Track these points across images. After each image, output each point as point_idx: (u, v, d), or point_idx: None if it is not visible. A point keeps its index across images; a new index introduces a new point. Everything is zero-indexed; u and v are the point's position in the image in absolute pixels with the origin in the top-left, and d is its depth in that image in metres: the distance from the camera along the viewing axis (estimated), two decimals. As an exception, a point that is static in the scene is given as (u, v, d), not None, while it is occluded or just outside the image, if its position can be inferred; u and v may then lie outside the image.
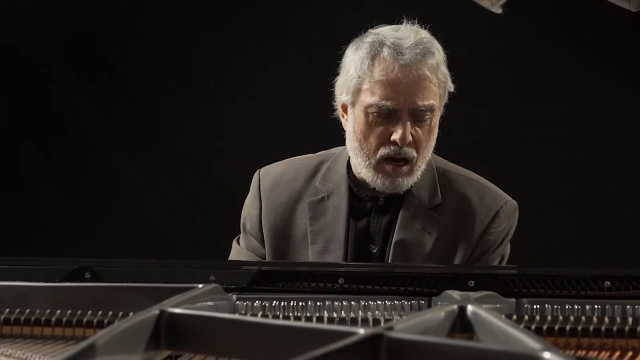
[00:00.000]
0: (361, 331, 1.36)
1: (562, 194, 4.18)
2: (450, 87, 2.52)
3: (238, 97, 4.28)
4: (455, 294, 1.83)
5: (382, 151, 2.44)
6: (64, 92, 4.44)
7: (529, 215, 4.27)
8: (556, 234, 4.15)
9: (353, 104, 2.49)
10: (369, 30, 2.52)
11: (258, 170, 2.66)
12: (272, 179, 2.61)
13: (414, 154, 2.44)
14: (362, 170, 2.49)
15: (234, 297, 1.93)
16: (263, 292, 1.96)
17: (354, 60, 2.47)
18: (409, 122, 2.42)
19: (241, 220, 2.66)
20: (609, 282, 1.88)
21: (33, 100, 4.43)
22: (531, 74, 4.18)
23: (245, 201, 2.66)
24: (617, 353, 1.68)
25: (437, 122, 2.50)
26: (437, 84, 2.45)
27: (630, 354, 1.68)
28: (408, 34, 2.46)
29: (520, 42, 4.17)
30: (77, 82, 4.43)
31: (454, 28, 4.20)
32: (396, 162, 2.45)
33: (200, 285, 1.82)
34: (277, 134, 4.15)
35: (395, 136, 2.42)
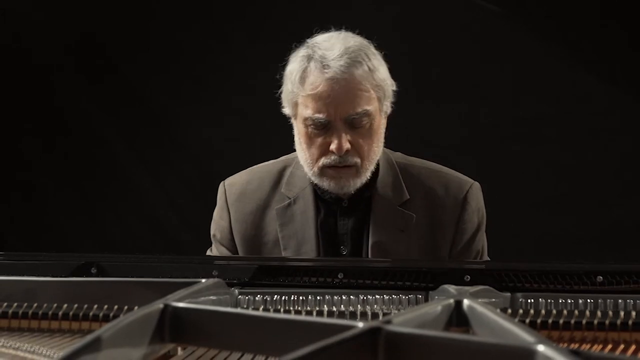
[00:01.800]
0: (360, 324, 1.38)
1: (557, 191, 4.20)
2: (393, 85, 2.54)
3: (239, 97, 4.30)
4: (452, 288, 1.85)
5: (324, 160, 2.48)
6: (69, 92, 4.46)
7: (523, 212, 4.31)
8: (550, 231, 4.17)
9: (294, 116, 2.53)
10: (307, 40, 2.53)
11: (222, 182, 2.68)
12: (238, 189, 2.64)
13: (356, 159, 2.47)
14: (310, 177, 2.53)
15: (236, 291, 1.96)
16: (264, 286, 1.99)
17: (289, 74, 2.51)
18: (343, 133, 2.44)
19: (211, 232, 2.69)
20: (601, 277, 1.90)
21: (39, 100, 4.45)
22: (526, 73, 4.19)
23: (214, 214, 2.69)
24: (609, 346, 1.70)
25: (381, 124, 2.52)
26: (372, 88, 2.46)
27: (622, 346, 1.70)
28: (335, 44, 2.47)
29: (516, 42, 4.19)
30: (82, 82, 4.45)
31: (451, 28, 4.24)
32: (339, 168, 2.48)
33: (203, 280, 1.84)
34: (277, 133, 4.17)
35: (332, 147, 2.45)
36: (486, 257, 2.68)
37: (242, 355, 1.67)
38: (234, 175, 2.69)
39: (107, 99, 4.45)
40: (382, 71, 2.50)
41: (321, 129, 2.46)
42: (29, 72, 4.45)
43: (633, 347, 1.70)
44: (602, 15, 4.13)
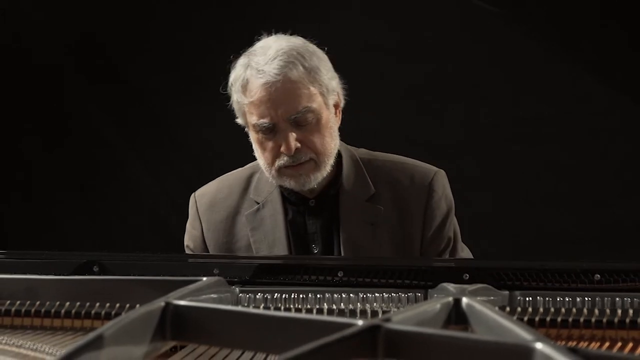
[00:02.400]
0: (359, 322, 1.38)
1: (556, 191, 4.21)
2: (334, 78, 2.57)
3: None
4: (451, 286, 1.86)
5: (278, 162, 2.52)
6: (70, 92, 4.47)
7: (523, 212, 4.31)
8: (550, 230, 4.18)
9: (246, 124, 2.59)
10: (248, 48, 2.58)
11: (193, 194, 2.74)
12: (208, 198, 2.70)
13: (310, 155, 2.52)
14: (272, 180, 2.58)
15: (237, 289, 1.97)
16: (265, 284, 2.00)
17: (232, 85, 2.57)
18: (290, 132, 2.49)
19: (185, 243, 2.74)
20: (598, 275, 1.91)
21: (39, 100, 4.46)
22: (526, 73, 4.20)
23: (187, 225, 2.75)
24: (607, 343, 1.71)
25: (330, 118, 2.56)
26: (311, 85, 2.50)
27: (619, 344, 1.71)
28: (268, 49, 2.52)
29: (515, 42, 4.20)
30: (82, 82, 4.46)
31: (451, 28, 4.24)
32: (295, 166, 2.52)
33: (204, 278, 1.85)
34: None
35: (282, 148, 2.50)
36: (460, 244, 2.70)
37: (242, 353, 1.68)
38: (203, 186, 2.76)
39: (107, 99, 4.45)
40: (320, 67, 2.53)
41: (269, 133, 2.51)
42: (29, 72, 4.46)
43: (630, 345, 1.71)
44: (602, 15, 4.14)
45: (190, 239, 2.72)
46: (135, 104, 4.45)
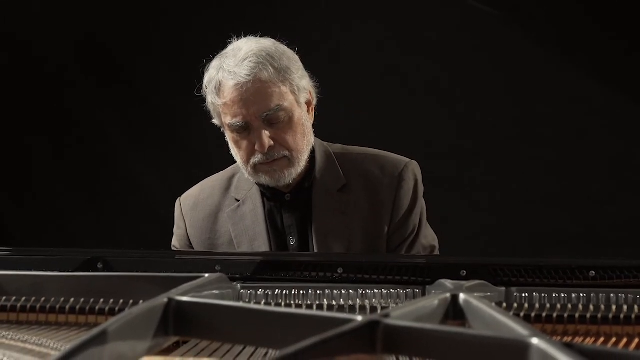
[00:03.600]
0: (359, 318, 1.38)
1: (554, 190, 4.22)
2: (304, 77, 2.63)
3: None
4: (448, 282, 1.88)
5: (253, 160, 2.60)
6: (75, 92, 4.49)
7: (520, 210, 4.32)
8: (547, 229, 4.20)
9: (222, 125, 2.65)
10: (221, 51, 2.64)
11: (178, 198, 2.83)
12: (192, 200, 2.80)
13: (283, 152, 2.59)
14: (248, 177, 2.66)
15: (239, 286, 1.99)
16: (266, 281, 2.02)
17: (206, 87, 2.63)
18: (263, 130, 2.56)
19: (172, 246, 2.80)
20: (593, 272, 1.94)
21: (45, 100, 4.48)
22: (522, 74, 4.22)
23: (174, 229, 2.82)
24: (602, 339, 1.73)
25: (303, 115, 2.62)
26: (282, 85, 2.56)
27: (613, 340, 1.72)
28: (239, 51, 2.58)
29: (515, 43, 4.21)
30: (88, 82, 4.48)
31: (450, 30, 4.26)
32: (269, 163, 2.59)
33: (206, 275, 1.86)
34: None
35: (256, 146, 2.57)
36: (424, 230, 2.73)
37: (244, 348, 1.71)
38: (187, 191, 2.85)
39: (112, 99, 4.47)
40: (291, 67, 2.60)
41: (243, 132, 2.59)
42: (33, 72, 4.47)
43: (625, 340, 1.73)
44: (600, 16, 4.15)
45: (176, 239, 2.80)
46: (140, 104, 4.47)
